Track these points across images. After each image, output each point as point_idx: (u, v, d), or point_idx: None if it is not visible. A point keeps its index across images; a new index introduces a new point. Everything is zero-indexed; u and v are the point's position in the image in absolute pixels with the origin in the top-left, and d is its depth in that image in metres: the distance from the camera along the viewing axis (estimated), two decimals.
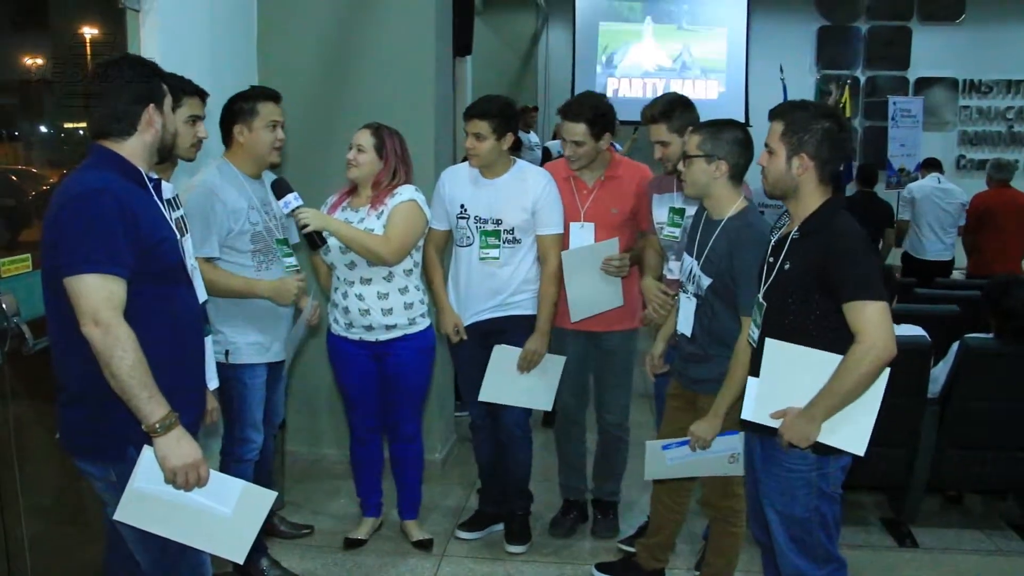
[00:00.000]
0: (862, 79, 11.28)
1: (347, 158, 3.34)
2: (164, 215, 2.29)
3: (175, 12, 3.52)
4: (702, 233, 2.91)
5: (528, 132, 9.85)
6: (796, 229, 2.45)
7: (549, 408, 3.61)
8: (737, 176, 2.84)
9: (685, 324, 2.96)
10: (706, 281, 2.84)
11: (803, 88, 10.20)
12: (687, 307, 2.95)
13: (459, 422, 4.89)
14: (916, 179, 8.34)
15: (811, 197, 2.44)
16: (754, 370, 2.50)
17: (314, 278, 3.61)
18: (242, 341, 3.17)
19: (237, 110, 3.15)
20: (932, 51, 11.11)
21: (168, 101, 2.28)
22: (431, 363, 3.55)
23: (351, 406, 3.58)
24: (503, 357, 3.47)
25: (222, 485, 2.23)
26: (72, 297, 2.05)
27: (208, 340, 2.76)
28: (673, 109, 3.30)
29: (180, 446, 2.11)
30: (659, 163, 3.38)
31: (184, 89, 2.78)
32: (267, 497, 2.29)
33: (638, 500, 4.08)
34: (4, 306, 2.58)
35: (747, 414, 2.50)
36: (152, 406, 2.06)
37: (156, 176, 2.36)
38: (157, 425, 2.07)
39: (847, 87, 10.04)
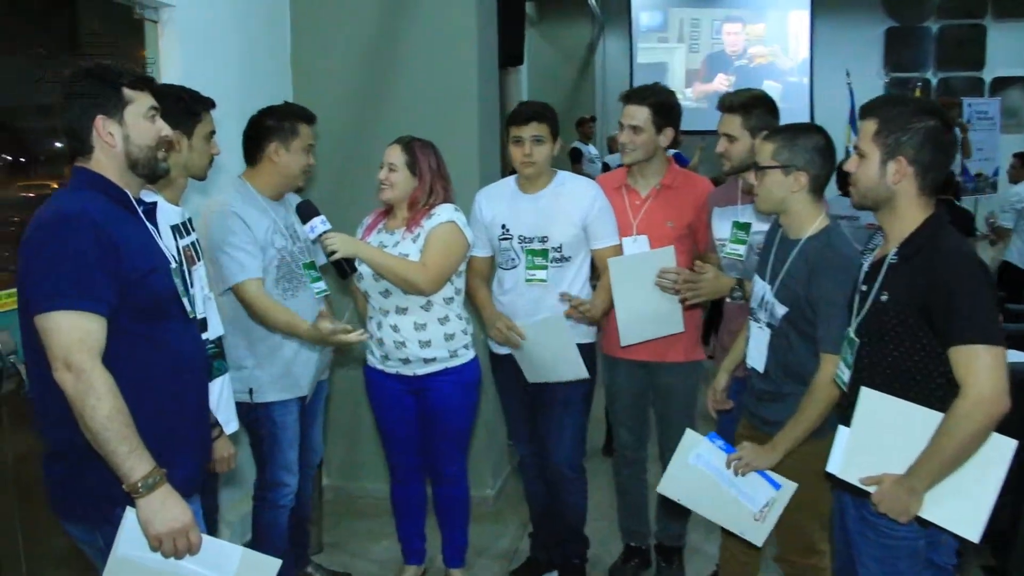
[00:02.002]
0: (934, 81, 10.77)
1: (378, 178, 3.06)
2: (156, 242, 2.03)
3: (198, 22, 3.32)
4: (776, 254, 2.55)
5: (587, 144, 9.54)
6: (894, 252, 2.08)
7: (584, 375, 3.15)
8: (818, 189, 2.48)
9: (756, 357, 2.60)
10: (781, 310, 2.48)
11: (871, 93, 9.44)
12: (758, 338, 2.59)
13: (514, 452, 4.56)
14: (995, 184, 7.82)
15: (910, 210, 2.07)
16: (844, 417, 2.14)
17: (335, 303, 3.35)
18: (267, 376, 2.91)
19: (274, 127, 2.91)
20: (1008, 49, 10.57)
21: (136, 109, 1.97)
22: (475, 399, 3.24)
23: (389, 444, 3.30)
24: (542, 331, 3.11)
25: (218, 552, 1.96)
26: (42, 338, 1.80)
27: (224, 379, 2.53)
28: (755, 105, 2.97)
29: (165, 508, 1.84)
30: (719, 160, 3.03)
31: (202, 102, 2.56)
32: (271, 566, 2.01)
33: (705, 546, 3.71)
34: None
35: (834, 468, 2.14)
36: (133, 462, 1.80)
37: (152, 199, 2.10)
38: (139, 484, 1.81)
39: (918, 90, 9.53)
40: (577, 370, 3.11)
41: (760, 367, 2.58)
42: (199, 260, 2.57)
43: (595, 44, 11.38)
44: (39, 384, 1.90)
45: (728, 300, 3.02)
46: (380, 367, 3.15)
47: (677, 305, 3.08)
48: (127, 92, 1.97)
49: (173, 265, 2.05)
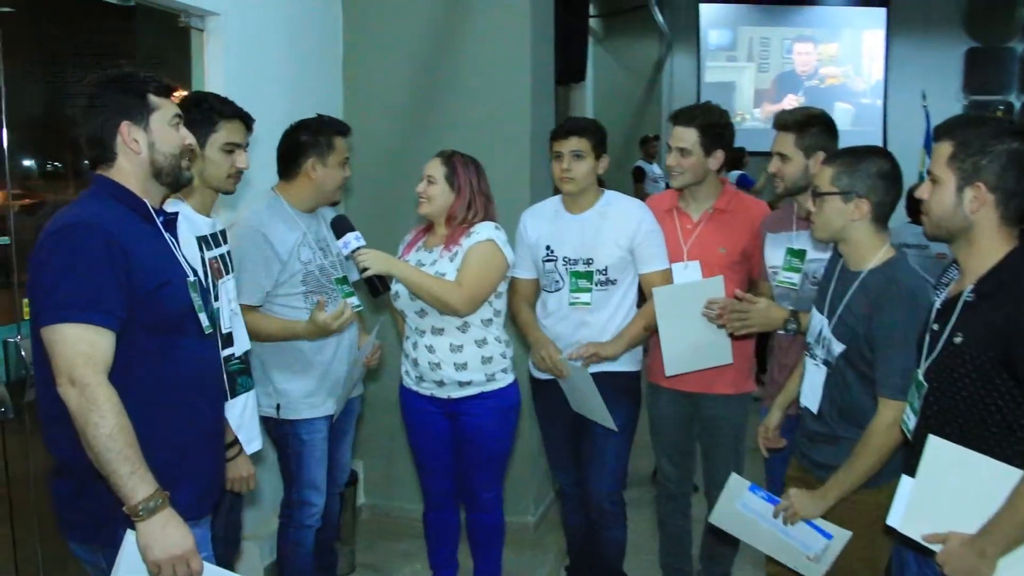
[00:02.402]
0: (1017, 105, 10.27)
1: (417, 191, 2.97)
2: (173, 254, 1.97)
3: (244, 32, 3.27)
4: (836, 286, 2.37)
5: (651, 163, 9.38)
6: (970, 288, 1.88)
7: (611, 427, 2.99)
8: (881, 218, 2.29)
9: (811, 396, 2.42)
10: (838, 347, 2.30)
11: (948, 116, 9.32)
12: (813, 376, 2.41)
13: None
14: None
15: (990, 242, 1.88)
16: (908, 467, 1.96)
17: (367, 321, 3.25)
18: (295, 393, 2.84)
19: (310, 143, 2.84)
20: None
21: (161, 116, 1.93)
22: (513, 425, 3.11)
23: (423, 468, 3.19)
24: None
25: None
26: (48, 350, 1.74)
27: (248, 396, 2.45)
28: (811, 123, 2.80)
29: (166, 534, 1.75)
30: (769, 181, 2.86)
31: (220, 112, 2.46)
32: None
33: None
34: (22, 353, 2.32)
35: (895, 521, 1.95)
36: (134, 483, 1.72)
37: (175, 209, 2.04)
38: (139, 507, 1.73)
39: (1000, 113, 9.12)
40: (604, 419, 2.97)
41: (814, 407, 2.40)
42: (227, 273, 2.50)
43: (662, 62, 11.21)
44: (46, 398, 1.84)
45: (781, 332, 2.84)
46: (415, 388, 3.04)
47: (725, 336, 2.92)
48: (152, 99, 1.93)
49: (191, 278, 1.97)
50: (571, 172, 2.97)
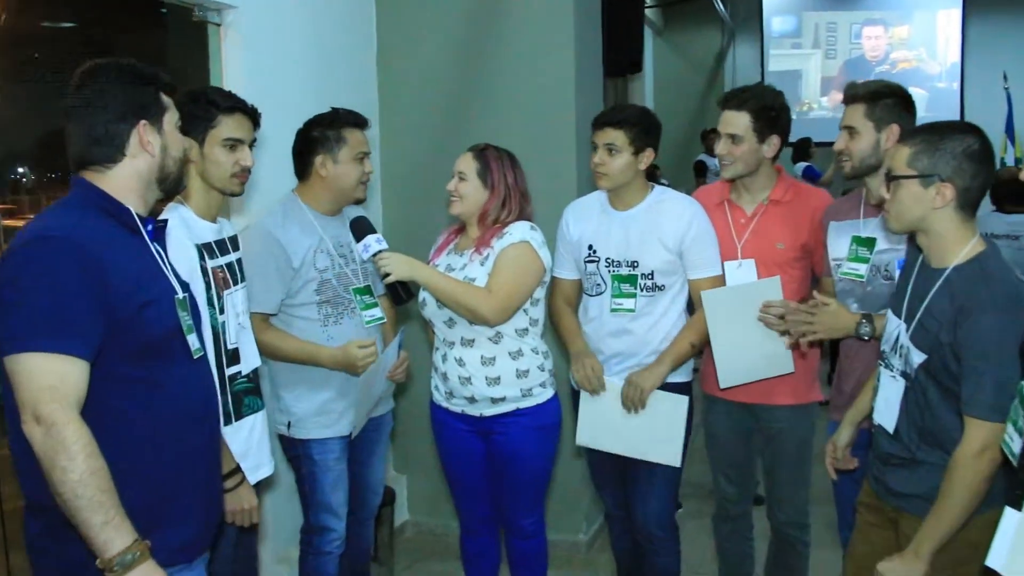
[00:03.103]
0: None
1: (447, 189, 2.73)
2: (160, 269, 1.75)
3: (265, 25, 3.08)
4: (915, 286, 2.05)
5: (714, 157, 9.01)
6: None
7: (676, 463, 2.76)
8: (969, 205, 1.96)
9: (885, 413, 2.10)
10: (918, 357, 1.98)
11: None
12: (889, 390, 2.09)
13: None
14: None
15: None
16: (1012, 498, 1.63)
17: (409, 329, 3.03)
18: (305, 410, 2.64)
19: (319, 138, 2.63)
20: None
21: (171, 117, 1.78)
22: (553, 445, 2.84)
23: (456, 491, 2.94)
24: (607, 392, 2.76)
25: None
26: (11, 382, 1.53)
27: (257, 418, 2.26)
28: (884, 94, 2.50)
29: None
30: (837, 174, 2.55)
31: (218, 105, 2.25)
32: None
33: None
34: None
35: (996, 563, 1.62)
36: (108, 534, 1.50)
37: (163, 217, 1.84)
38: (114, 562, 1.51)
39: None
40: (670, 455, 2.71)
41: (889, 426, 2.08)
42: (237, 283, 2.30)
43: (724, 52, 10.91)
44: (14, 428, 1.62)
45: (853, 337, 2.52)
46: (445, 404, 2.80)
47: (785, 343, 2.63)
48: (164, 98, 1.77)
49: (179, 295, 1.76)
50: (604, 167, 2.71)
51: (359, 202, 2.76)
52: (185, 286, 1.82)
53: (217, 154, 2.24)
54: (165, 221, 1.87)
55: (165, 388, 1.69)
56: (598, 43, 4.10)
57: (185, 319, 1.76)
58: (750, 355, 2.65)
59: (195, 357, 1.78)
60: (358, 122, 2.67)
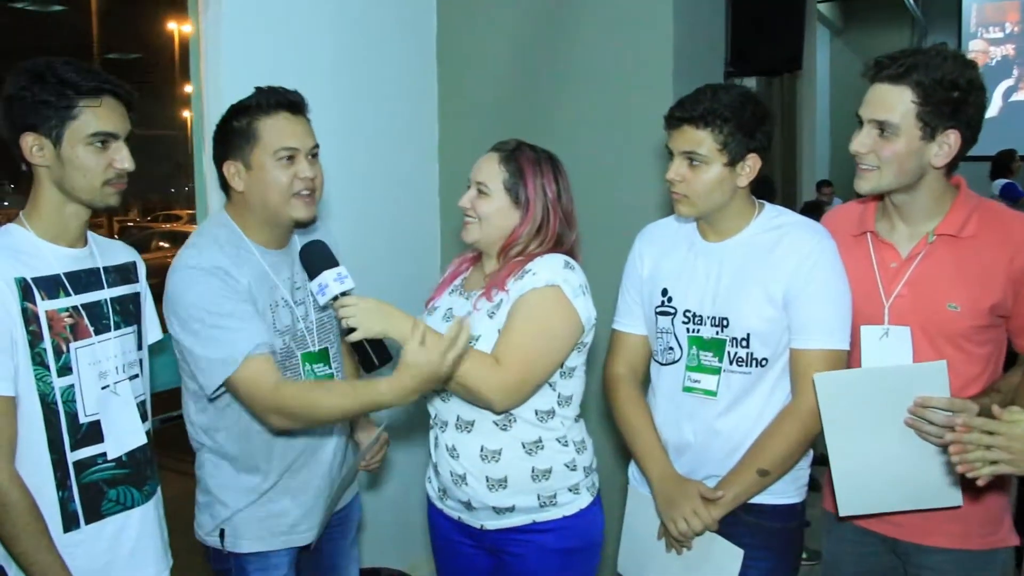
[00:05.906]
0: None
1: (460, 206, 1.93)
2: None
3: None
4: None
5: None
6: None
7: None
8: None
9: None
10: None
11: None
12: None
13: None
14: None
15: None
16: None
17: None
18: (244, 511, 1.87)
19: (228, 134, 1.81)
20: None
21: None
22: (590, 569, 1.94)
23: None
24: (640, 510, 1.95)
25: None
26: None
27: (130, 516, 1.69)
28: None
29: None
30: None
31: (77, 86, 1.54)
32: None
33: None
34: None
35: None
36: None
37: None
38: None
39: None
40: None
41: None
42: (110, 329, 1.62)
43: None
44: None
45: None
46: (439, 504, 2.00)
47: (948, 467, 1.65)
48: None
49: None
50: (683, 185, 1.83)
51: (301, 225, 1.90)
52: None
53: (80, 156, 1.56)
54: None
55: None
56: (716, 33, 3.41)
57: None
58: (891, 473, 1.72)
59: None
60: (278, 102, 1.79)
